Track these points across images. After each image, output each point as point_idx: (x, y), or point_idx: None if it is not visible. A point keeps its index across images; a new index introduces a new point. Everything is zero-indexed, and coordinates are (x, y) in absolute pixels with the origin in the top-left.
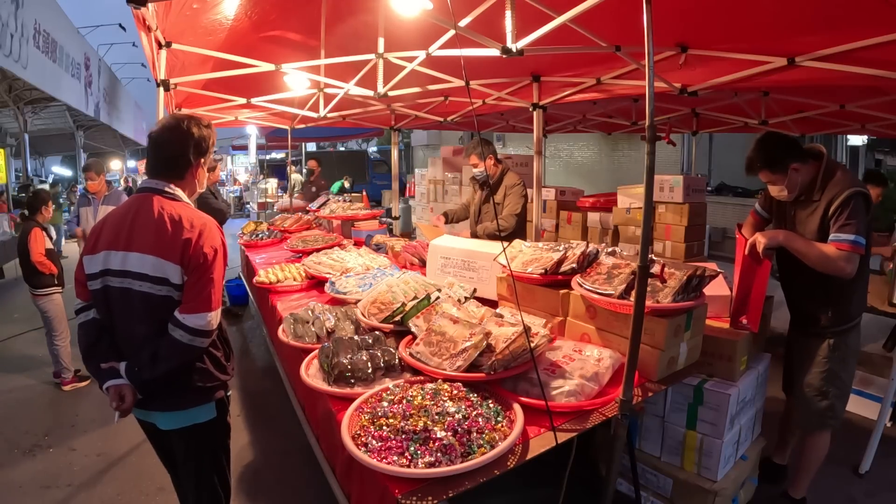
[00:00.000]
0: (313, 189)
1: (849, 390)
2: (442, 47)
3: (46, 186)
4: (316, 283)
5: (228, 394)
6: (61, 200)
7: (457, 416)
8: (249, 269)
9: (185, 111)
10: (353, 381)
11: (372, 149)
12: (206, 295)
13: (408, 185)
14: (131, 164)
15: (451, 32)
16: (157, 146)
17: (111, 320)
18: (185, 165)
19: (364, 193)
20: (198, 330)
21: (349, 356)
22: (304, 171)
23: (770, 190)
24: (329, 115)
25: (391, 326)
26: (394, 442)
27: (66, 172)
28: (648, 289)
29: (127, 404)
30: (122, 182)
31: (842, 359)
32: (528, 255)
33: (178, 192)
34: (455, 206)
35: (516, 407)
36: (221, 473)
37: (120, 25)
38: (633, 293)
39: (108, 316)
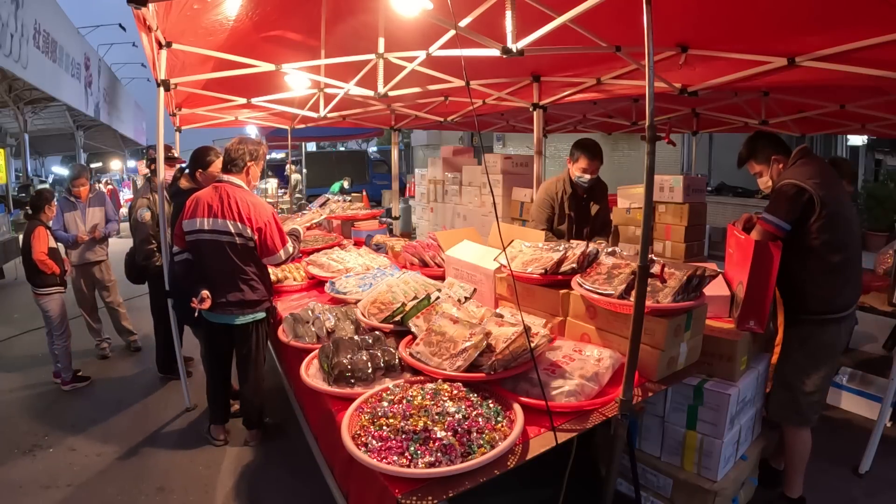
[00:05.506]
0: None
1: (820, 393)
2: (442, 47)
3: (47, 186)
4: (316, 283)
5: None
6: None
7: (457, 416)
8: None
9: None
10: (353, 381)
11: (372, 149)
12: (272, 245)
13: (408, 185)
14: (131, 164)
15: (452, 32)
16: (227, 153)
17: (201, 259)
18: (242, 165)
19: (364, 193)
20: (278, 264)
21: (349, 356)
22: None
23: (759, 184)
24: (329, 115)
25: (391, 326)
26: (394, 442)
27: (66, 172)
28: (648, 289)
29: (209, 303)
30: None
31: (811, 354)
32: (528, 255)
33: (241, 182)
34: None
35: (516, 407)
36: (262, 351)
37: (120, 25)
38: (633, 293)
39: (198, 257)
